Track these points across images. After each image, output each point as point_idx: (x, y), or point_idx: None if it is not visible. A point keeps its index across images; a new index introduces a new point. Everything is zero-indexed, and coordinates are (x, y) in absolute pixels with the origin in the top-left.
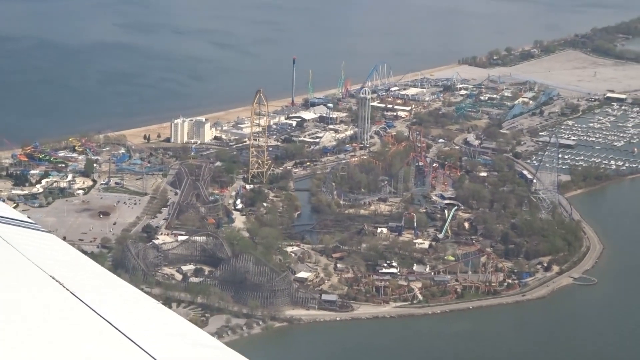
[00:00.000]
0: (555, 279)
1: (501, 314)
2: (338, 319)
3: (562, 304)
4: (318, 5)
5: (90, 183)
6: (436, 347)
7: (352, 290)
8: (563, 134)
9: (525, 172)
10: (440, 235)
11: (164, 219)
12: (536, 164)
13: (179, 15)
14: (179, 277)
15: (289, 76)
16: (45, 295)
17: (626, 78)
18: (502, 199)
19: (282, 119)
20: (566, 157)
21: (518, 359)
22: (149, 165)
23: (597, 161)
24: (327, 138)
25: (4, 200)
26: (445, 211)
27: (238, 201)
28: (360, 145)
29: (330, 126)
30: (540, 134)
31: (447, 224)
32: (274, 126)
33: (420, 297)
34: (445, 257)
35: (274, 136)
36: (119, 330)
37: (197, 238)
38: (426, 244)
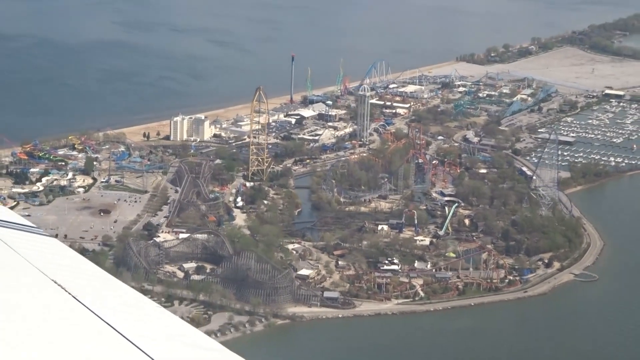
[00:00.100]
0: (556, 275)
1: (503, 310)
2: (340, 316)
3: (564, 301)
4: (316, 4)
5: (91, 181)
6: (439, 344)
7: (354, 288)
8: (562, 131)
9: (524, 168)
10: (441, 232)
11: (164, 217)
12: (535, 160)
13: (177, 13)
14: (180, 274)
15: (288, 74)
16: (47, 298)
17: (624, 75)
18: (502, 195)
19: (281, 116)
20: (565, 153)
21: (520, 355)
22: (148, 163)
23: (596, 158)
24: (327, 135)
25: (4, 199)
26: (446, 208)
27: (238, 199)
28: (359, 142)
29: (329, 124)
30: (539, 130)
31: (447, 220)
32: (273, 124)
33: (421, 293)
34: (446, 254)
35: (273, 134)
36: (119, 333)
37: (199, 236)
38: (427, 241)
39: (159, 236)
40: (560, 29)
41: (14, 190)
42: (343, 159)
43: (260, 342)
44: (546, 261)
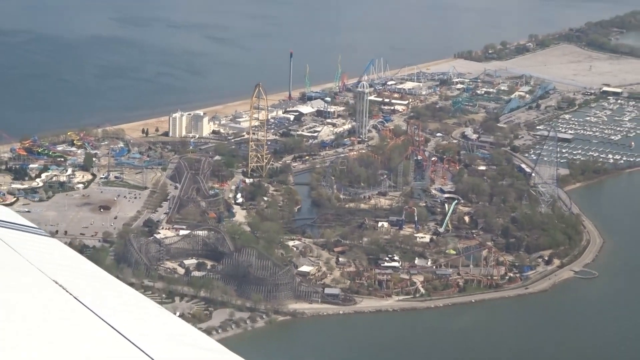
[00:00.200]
0: (556, 272)
1: (504, 307)
2: (341, 312)
3: (564, 298)
4: (314, 0)
5: (90, 177)
6: (440, 341)
7: (355, 284)
8: (560, 128)
9: (523, 165)
10: (441, 229)
11: (164, 213)
12: (534, 157)
13: (174, 9)
14: (181, 271)
15: (286, 70)
16: (47, 298)
17: (621, 72)
18: (501, 192)
19: (280, 113)
20: (563, 151)
21: (522, 352)
22: (148, 159)
23: (594, 155)
24: (326, 132)
25: (3, 194)
26: (446, 205)
27: (238, 195)
28: (358, 139)
29: (328, 120)
30: (538, 128)
31: (447, 217)
32: (272, 120)
33: (422, 290)
34: (447, 251)
35: (272, 130)
36: (120, 333)
37: (199, 232)
38: (427, 238)
39: (159, 232)
40: (557, 26)
41: (13, 186)
42: (342, 155)
43: (261, 339)
44: (546, 258)
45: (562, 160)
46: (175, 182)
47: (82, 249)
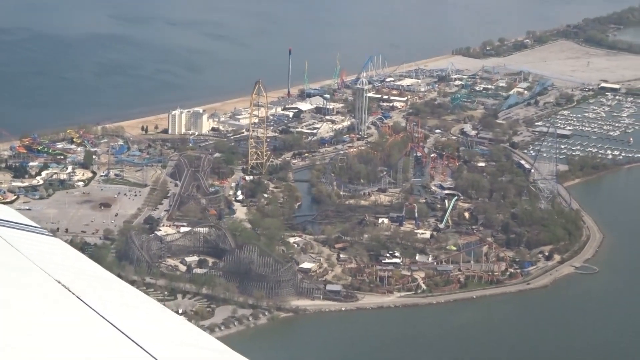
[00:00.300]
0: (557, 267)
1: (505, 303)
2: (343, 309)
3: (565, 293)
4: None
5: (90, 175)
6: (442, 337)
7: (356, 281)
8: (559, 124)
9: (522, 162)
10: (441, 225)
11: (165, 211)
12: (533, 153)
13: (171, 6)
14: (182, 268)
15: (283, 67)
16: (50, 298)
17: (619, 68)
18: (501, 188)
19: (279, 110)
20: (562, 147)
21: (523, 348)
22: (147, 156)
23: (593, 151)
24: (325, 129)
25: (4, 192)
26: (446, 201)
27: (239, 192)
28: (357, 136)
29: (327, 117)
30: (536, 124)
31: (447, 214)
32: (271, 117)
33: (423, 286)
34: (447, 247)
35: (272, 127)
36: (122, 332)
37: (200, 229)
38: (427, 234)
39: (160, 230)
40: (555, 22)
41: (13, 184)
42: (342, 152)
43: (264, 335)
44: (546, 254)
45: (561, 156)
46: (175, 180)
47: (83, 247)
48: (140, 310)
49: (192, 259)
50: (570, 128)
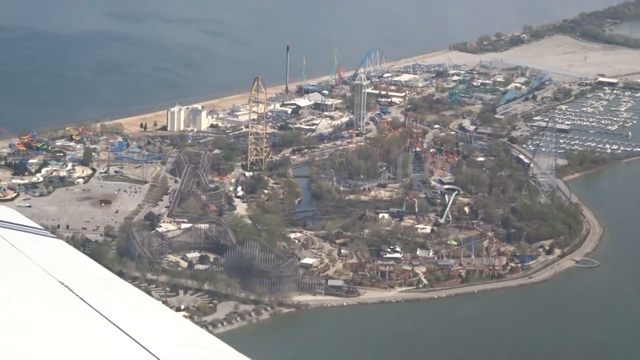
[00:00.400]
0: (557, 261)
1: (507, 297)
2: (345, 304)
3: (566, 287)
4: None
5: (90, 172)
6: (444, 331)
7: (357, 276)
8: (557, 119)
9: (521, 156)
10: (442, 220)
11: (165, 207)
12: (532, 148)
13: (168, 4)
14: (184, 264)
15: (281, 64)
16: (53, 299)
17: (616, 62)
18: (500, 183)
19: (277, 106)
20: (561, 141)
21: (525, 341)
22: (147, 153)
23: (592, 145)
24: (324, 125)
25: (4, 190)
26: (446, 196)
27: (239, 188)
28: (356, 131)
29: (326, 113)
30: (534, 118)
31: (447, 208)
32: (270, 113)
33: (425, 281)
34: (448, 242)
35: (270, 123)
36: (126, 333)
37: (201, 225)
38: (428, 229)
39: (160, 226)
40: (551, 17)
41: (13, 181)
42: (341, 148)
43: (266, 331)
44: (547, 248)
45: (560, 151)
46: (175, 176)
47: (84, 243)
48: (142, 310)
49: (194, 255)
50: (569, 123)
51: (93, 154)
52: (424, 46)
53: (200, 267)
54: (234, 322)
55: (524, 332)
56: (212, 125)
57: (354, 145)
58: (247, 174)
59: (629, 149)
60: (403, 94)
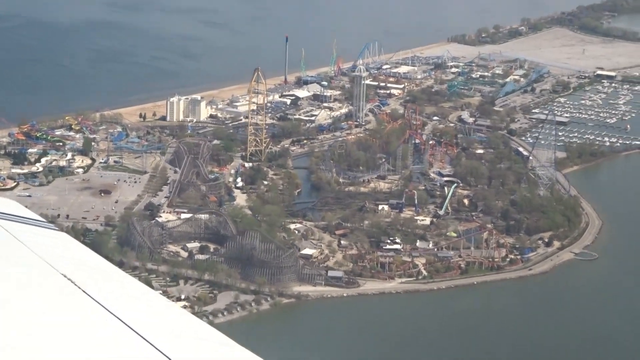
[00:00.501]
0: (557, 254)
1: (506, 289)
2: (345, 295)
3: (565, 279)
4: None
5: (89, 161)
6: (444, 322)
7: (357, 267)
8: (555, 111)
9: (520, 149)
10: (441, 212)
11: (165, 197)
12: (531, 141)
13: None
14: (184, 254)
15: (280, 54)
16: (56, 292)
17: (614, 55)
18: (500, 175)
19: (276, 97)
20: (560, 134)
21: (525, 332)
22: (146, 143)
23: (590, 138)
24: (323, 116)
25: (4, 179)
26: (445, 188)
27: (238, 179)
28: (355, 123)
29: (325, 104)
30: (533, 111)
31: (447, 200)
32: (269, 104)
33: (425, 273)
34: (447, 234)
35: (269, 114)
36: (129, 326)
37: (201, 216)
38: (427, 221)
39: (160, 216)
40: (549, 9)
41: (13, 170)
42: (340, 139)
43: (267, 321)
44: (546, 240)
45: (559, 144)
46: (175, 166)
47: (84, 233)
48: (146, 304)
49: (194, 245)
50: (567, 115)
51: (92, 143)
52: (423, 38)
53: (201, 257)
54: (235, 312)
55: (523, 323)
56: (211, 116)
57: (353, 136)
58: (246, 164)
59: (627, 142)
60: (402, 86)
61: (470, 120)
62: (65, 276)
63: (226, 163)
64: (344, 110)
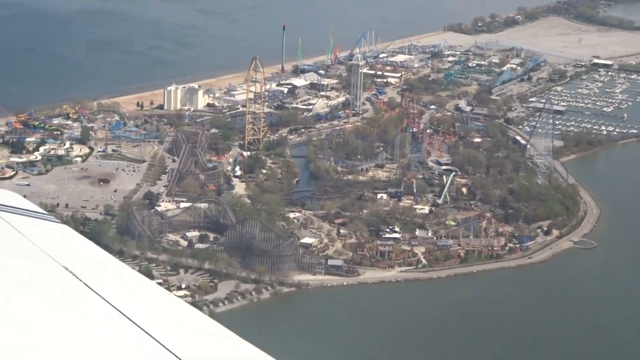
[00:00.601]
0: (555, 242)
1: (505, 277)
2: (345, 283)
3: (564, 267)
4: None
5: (87, 150)
6: (444, 310)
7: (357, 256)
8: (553, 100)
9: (518, 137)
10: (440, 201)
11: (164, 186)
12: (528, 129)
13: None
14: (184, 243)
15: (276, 43)
16: (57, 285)
17: (610, 44)
18: (498, 164)
19: (273, 85)
20: (557, 122)
21: (524, 320)
22: (144, 132)
23: (587, 127)
24: (320, 105)
25: (2, 168)
26: (444, 177)
27: (237, 168)
28: (353, 111)
29: (322, 93)
30: (530, 100)
31: (445, 189)
32: (266, 93)
33: (424, 261)
34: (446, 222)
35: (267, 103)
36: (130, 319)
37: (200, 205)
38: (426, 210)
39: (160, 205)
40: None
41: (11, 159)
42: (338, 128)
43: (267, 310)
44: (545, 229)
45: (556, 132)
46: (173, 155)
47: (84, 222)
48: (147, 297)
49: (193, 234)
50: (564, 104)
51: (90, 132)
52: (419, 27)
53: (200, 246)
54: (235, 301)
55: (522, 311)
56: (208, 105)
57: (350, 125)
58: (244, 153)
59: (624, 131)
60: (399, 75)
61: (468, 109)
62: (66, 268)
63: (224, 152)
64: (341, 99)
